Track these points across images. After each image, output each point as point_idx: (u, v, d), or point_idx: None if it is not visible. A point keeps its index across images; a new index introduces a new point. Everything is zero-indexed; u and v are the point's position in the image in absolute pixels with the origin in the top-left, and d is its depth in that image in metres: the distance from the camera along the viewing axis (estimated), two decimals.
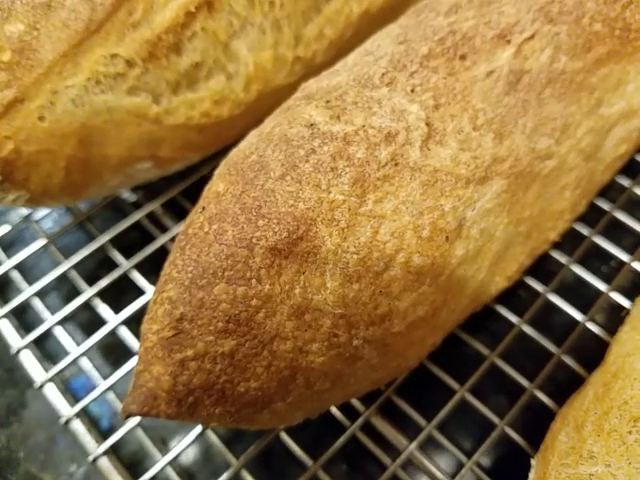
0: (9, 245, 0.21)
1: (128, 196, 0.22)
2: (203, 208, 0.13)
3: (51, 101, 0.16)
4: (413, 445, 0.15)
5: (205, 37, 0.16)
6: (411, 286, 0.12)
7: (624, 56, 0.16)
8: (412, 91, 0.14)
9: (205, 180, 0.18)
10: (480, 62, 0.14)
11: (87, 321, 0.19)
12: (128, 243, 0.20)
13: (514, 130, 0.14)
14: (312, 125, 0.13)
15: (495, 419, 0.16)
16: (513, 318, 0.17)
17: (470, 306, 0.15)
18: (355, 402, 0.16)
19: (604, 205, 0.19)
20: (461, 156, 0.13)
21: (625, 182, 0.20)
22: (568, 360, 0.16)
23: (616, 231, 0.19)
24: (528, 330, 0.17)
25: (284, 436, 0.16)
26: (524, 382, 0.16)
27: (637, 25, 0.16)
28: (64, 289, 0.20)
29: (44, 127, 0.16)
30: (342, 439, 0.15)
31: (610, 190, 0.20)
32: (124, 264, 0.19)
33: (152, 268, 0.17)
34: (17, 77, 0.16)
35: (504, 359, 0.17)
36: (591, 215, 0.19)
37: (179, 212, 0.20)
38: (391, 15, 0.20)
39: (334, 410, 0.16)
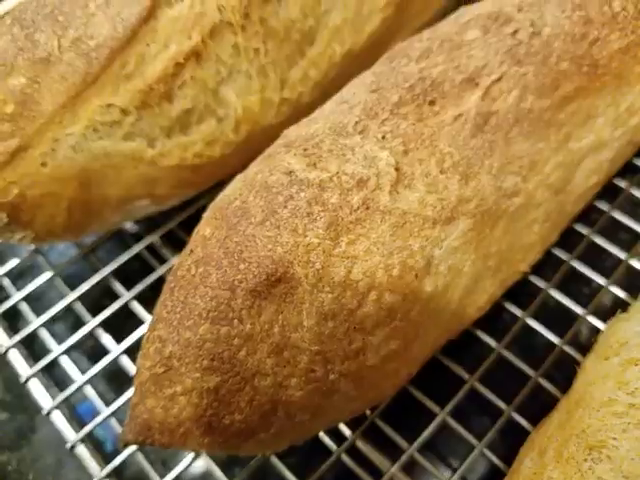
0: (18, 276, 0.22)
1: (129, 227, 0.23)
2: (191, 251, 0.14)
3: (52, 148, 0.17)
4: (395, 467, 0.16)
5: (194, 85, 0.17)
6: (383, 321, 0.13)
7: (592, 91, 0.17)
8: (383, 138, 0.15)
9: (201, 212, 0.19)
10: (448, 106, 0.15)
11: (91, 349, 0.20)
12: (129, 274, 0.21)
13: (480, 171, 0.15)
14: (290, 172, 0.14)
15: (474, 441, 0.16)
16: (492, 342, 0.18)
17: (443, 336, 0.16)
18: (342, 426, 0.17)
19: (582, 230, 0.20)
20: (428, 198, 0.14)
21: (604, 206, 0.21)
22: (545, 383, 0.17)
23: (594, 255, 0.20)
24: (507, 354, 0.18)
25: (274, 459, 0.17)
26: (502, 405, 0.17)
27: (604, 60, 0.17)
28: (69, 319, 0.21)
29: (47, 172, 0.17)
30: (329, 462, 0.16)
31: (589, 214, 0.21)
32: (125, 295, 0.20)
33: (151, 298, 0.18)
34: (20, 127, 0.17)
35: (484, 382, 0.17)
36: (570, 240, 0.20)
37: (177, 243, 0.21)
38: (374, 53, 0.21)
39: (321, 434, 0.17)
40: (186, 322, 0.13)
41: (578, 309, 0.18)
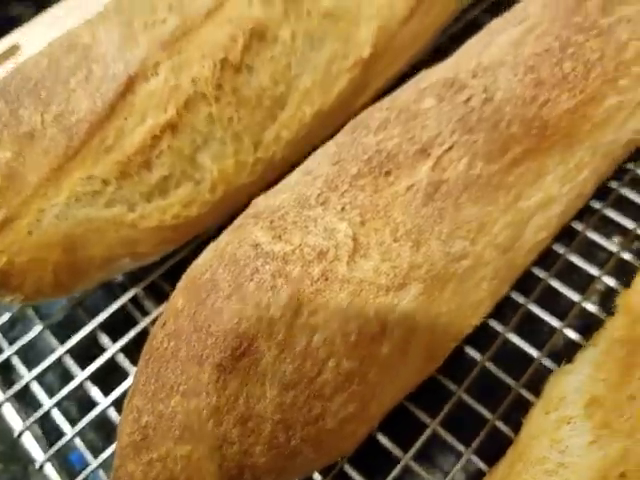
0: (9, 329, 0.23)
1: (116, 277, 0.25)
2: (164, 323, 0.15)
3: (37, 218, 0.18)
4: None
5: (172, 154, 0.18)
6: (342, 387, 0.14)
7: (541, 152, 0.18)
8: (342, 209, 0.16)
9: (181, 263, 0.20)
10: (402, 177, 0.17)
11: (80, 399, 0.22)
12: (115, 326, 0.22)
13: (430, 237, 0.16)
14: (257, 245, 0.16)
15: None
16: (452, 386, 0.19)
17: (402, 392, 0.17)
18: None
19: (539, 273, 0.21)
20: (382, 267, 0.15)
21: (560, 249, 0.22)
22: (502, 426, 0.18)
23: (551, 297, 0.21)
24: (466, 397, 0.19)
25: None
26: (461, 447, 0.18)
27: (554, 121, 0.18)
28: (59, 370, 0.22)
29: (33, 240, 0.18)
30: None
31: (546, 257, 0.22)
32: (111, 348, 0.21)
33: (136, 350, 0.19)
34: (7, 200, 0.18)
35: (445, 426, 0.19)
36: (527, 283, 0.21)
37: (159, 295, 0.23)
38: (342, 109, 0.22)
39: None
40: (159, 394, 0.14)
41: (534, 352, 0.20)
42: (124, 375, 0.21)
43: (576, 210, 0.19)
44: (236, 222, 0.17)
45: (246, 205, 0.19)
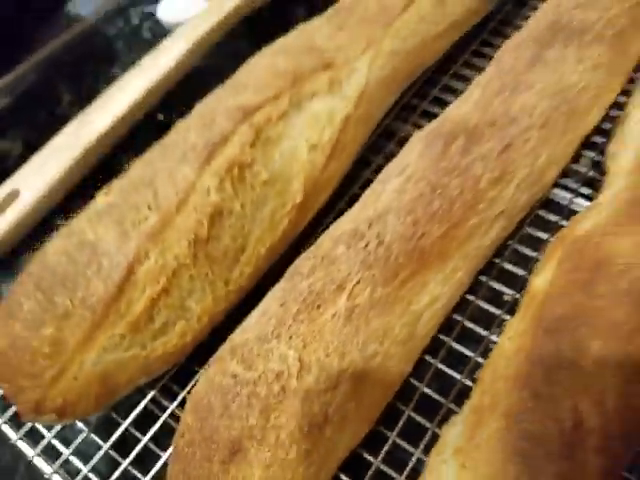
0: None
1: None
2: (183, 434, 0.23)
3: (79, 368, 0.25)
4: None
5: (166, 309, 0.26)
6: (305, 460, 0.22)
7: (422, 270, 0.25)
8: (290, 339, 0.24)
9: (183, 369, 0.28)
10: (328, 308, 0.24)
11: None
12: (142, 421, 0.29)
13: (352, 348, 0.24)
14: (235, 376, 0.23)
15: None
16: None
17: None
18: None
19: (430, 359, 0.28)
20: (320, 377, 0.23)
21: (445, 338, 0.28)
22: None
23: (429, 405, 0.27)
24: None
25: None
26: None
27: (429, 247, 0.26)
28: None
29: (78, 383, 0.25)
30: None
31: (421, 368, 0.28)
32: (144, 439, 0.28)
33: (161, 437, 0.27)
34: (56, 360, 0.25)
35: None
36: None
37: (172, 394, 0.30)
38: (289, 238, 0.30)
39: None
40: None
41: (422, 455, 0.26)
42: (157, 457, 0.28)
43: (456, 301, 0.27)
44: (218, 354, 0.25)
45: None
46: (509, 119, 0.27)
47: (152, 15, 0.51)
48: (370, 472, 0.25)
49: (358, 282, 0.24)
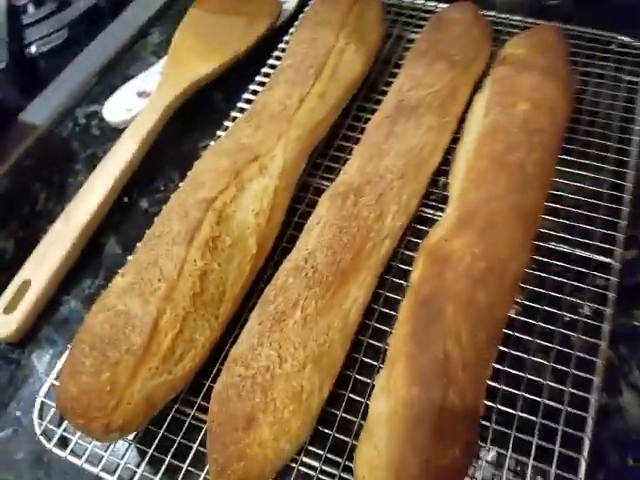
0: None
1: None
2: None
3: (130, 396, 0.37)
4: None
5: (182, 343, 0.38)
6: None
7: (345, 281, 0.39)
8: (270, 344, 0.36)
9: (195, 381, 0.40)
10: (290, 319, 0.37)
11: None
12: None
13: (309, 342, 0.37)
14: (240, 375, 0.36)
15: None
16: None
17: None
18: None
19: (362, 338, 0.43)
20: (292, 364, 0.36)
21: (369, 322, 0.44)
22: None
23: (368, 368, 0.43)
24: None
25: None
26: None
27: (346, 267, 0.39)
28: None
29: (131, 407, 0.37)
30: None
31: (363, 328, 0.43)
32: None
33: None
34: (113, 395, 0.36)
35: None
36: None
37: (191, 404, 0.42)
38: (253, 277, 0.43)
39: None
40: None
41: None
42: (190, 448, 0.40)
43: (371, 296, 0.41)
44: (226, 365, 0.37)
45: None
46: (379, 177, 0.42)
47: (96, 113, 0.62)
48: (336, 421, 0.39)
49: (306, 299, 0.38)
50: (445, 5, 0.61)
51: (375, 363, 0.40)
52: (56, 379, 0.41)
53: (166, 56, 0.62)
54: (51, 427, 0.40)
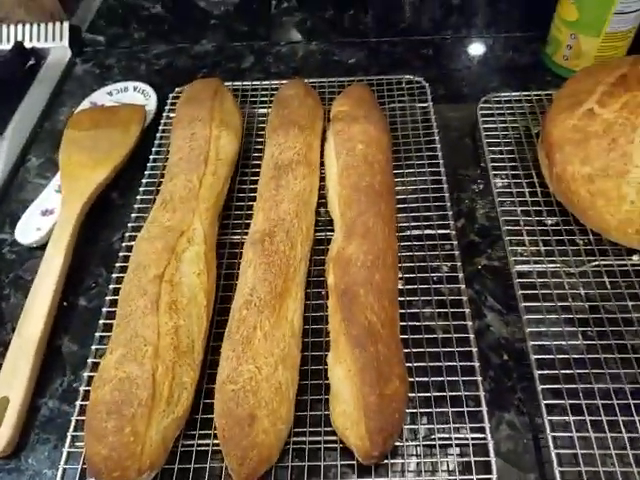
0: None
1: None
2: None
3: (151, 440, 0.48)
4: None
5: (176, 387, 0.50)
6: None
7: (284, 300, 0.54)
8: (246, 361, 0.50)
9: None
10: (255, 339, 0.51)
11: None
12: None
13: (274, 350, 0.51)
14: (233, 390, 0.49)
15: None
16: None
17: None
18: None
19: (306, 339, 0.58)
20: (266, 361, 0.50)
21: (306, 325, 0.59)
22: None
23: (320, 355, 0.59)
24: None
25: None
26: None
27: (281, 290, 0.55)
28: None
29: (153, 449, 0.47)
30: None
31: (307, 330, 0.59)
32: None
33: None
34: (138, 442, 0.47)
35: None
36: None
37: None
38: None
39: None
40: None
41: None
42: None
43: (304, 305, 0.57)
44: (217, 388, 0.49)
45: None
46: (281, 220, 0.58)
47: (5, 240, 0.70)
48: (308, 404, 0.53)
49: (261, 322, 0.52)
50: (276, 81, 0.81)
51: (321, 353, 0.55)
52: (66, 463, 0.50)
53: (55, 176, 0.73)
54: None
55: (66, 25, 0.87)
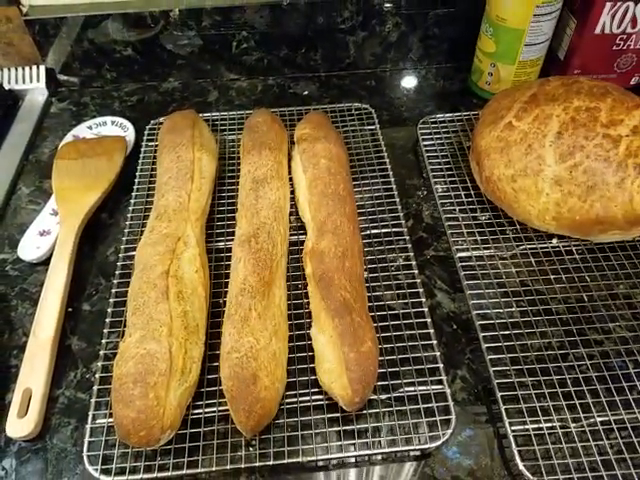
0: None
1: None
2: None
3: (170, 404, 0.60)
4: None
5: (189, 360, 0.63)
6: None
7: (270, 288, 0.69)
8: (246, 334, 0.64)
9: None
10: (251, 318, 0.65)
11: None
12: None
13: (268, 326, 0.65)
14: (237, 357, 0.62)
15: None
16: None
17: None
18: None
19: (290, 322, 0.73)
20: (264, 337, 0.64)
21: (289, 312, 0.74)
22: None
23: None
24: None
25: None
26: None
27: (268, 279, 0.69)
28: None
29: (172, 411, 0.60)
30: None
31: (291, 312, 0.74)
32: None
33: None
34: (161, 405, 0.60)
35: None
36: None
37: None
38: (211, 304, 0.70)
39: None
40: None
41: None
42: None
43: (287, 292, 0.72)
44: (222, 357, 0.63)
45: None
46: (262, 224, 0.72)
47: (6, 260, 0.81)
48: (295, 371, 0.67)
49: (255, 304, 0.66)
50: (241, 112, 0.97)
51: (303, 332, 0.69)
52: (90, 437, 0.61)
53: (49, 201, 0.85)
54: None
55: (42, 68, 1.00)
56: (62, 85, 1.04)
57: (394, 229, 0.76)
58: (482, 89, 0.95)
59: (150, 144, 0.85)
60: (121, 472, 0.55)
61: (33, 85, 1.01)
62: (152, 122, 0.89)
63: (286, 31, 0.94)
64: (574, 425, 0.55)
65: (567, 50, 0.95)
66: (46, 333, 0.70)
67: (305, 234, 0.71)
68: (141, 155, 0.90)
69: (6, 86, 0.97)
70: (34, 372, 0.64)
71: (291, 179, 0.76)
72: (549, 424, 0.55)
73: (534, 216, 0.69)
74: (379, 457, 0.56)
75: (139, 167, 0.89)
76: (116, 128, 0.92)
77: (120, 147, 0.90)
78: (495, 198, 0.74)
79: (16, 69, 1.01)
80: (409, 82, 1.02)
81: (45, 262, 0.73)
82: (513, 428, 0.55)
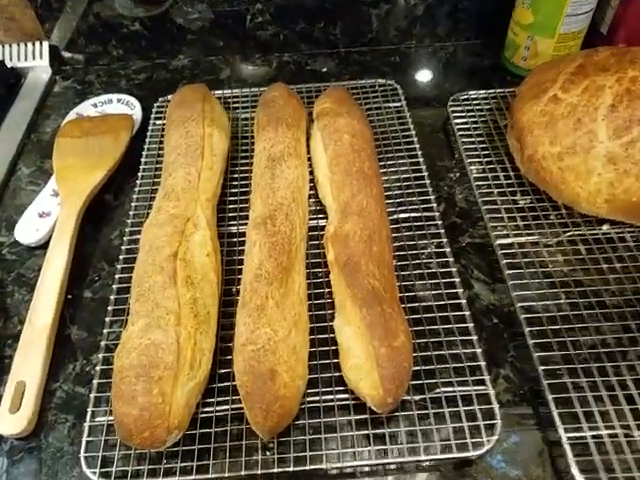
0: None
1: None
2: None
3: (177, 402, 0.54)
4: None
5: (198, 353, 0.57)
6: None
7: (289, 274, 0.63)
8: (262, 325, 0.58)
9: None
10: (267, 306, 0.59)
11: None
12: None
13: (286, 315, 0.59)
14: (252, 350, 0.56)
15: None
16: None
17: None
18: None
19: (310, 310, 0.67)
20: (279, 326, 0.58)
21: (309, 301, 0.68)
22: None
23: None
24: None
25: None
26: None
27: (286, 265, 0.63)
28: None
29: (179, 410, 0.54)
30: None
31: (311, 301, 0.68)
32: None
33: None
34: (167, 402, 0.54)
35: None
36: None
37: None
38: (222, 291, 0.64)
39: None
40: None
41: None
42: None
43: (306, 279, 0.66)
44: (236, 349, 0.57)
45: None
46: (280, 205, 0.66)
47: (2, 243, 0.76)
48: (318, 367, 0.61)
49: (271, 292, 0.59)
50: (255, 89, 0.91)
51: (325, 324, 0.63)
52: (88, 436, 0.55)
53: (49, 181, 0.80)
54: None
55: (46, 45, 0.95)
56: (66, 63, 0.99)
57: (425, 213, 0.69)
58: (517, 65, 0.89)
59: (158, 122, 0.80)
60: (122, 476, 0.50)
61: (36, 62, 0.96)
62: (160, 99, 0.83)
63: (303, 3, 0.88)
64: (638, 433, 0.48)
65: (611, 24, 0.89)
66: (42, 321, 0.64)
67: (325, 219, 0.65)
68: (148, 134, 0.83)
69: (8, 63, 0.92)
70: (28, 363, 0.59)
71: (309, 160, 0.69)
72: (609, 431, 0.49)
73: (583, 198, 0.62)
74: (413, 465, 0.50)
75: (146, 146, 0.83)
76: (122, 106, 0.87)
77: (126, 125, 0.84)
78: (538, 179, 0.68)
79: (18, 45, 0.96)
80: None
81: (44, 246, 0.68)
82: (568, 435, 0.48)
